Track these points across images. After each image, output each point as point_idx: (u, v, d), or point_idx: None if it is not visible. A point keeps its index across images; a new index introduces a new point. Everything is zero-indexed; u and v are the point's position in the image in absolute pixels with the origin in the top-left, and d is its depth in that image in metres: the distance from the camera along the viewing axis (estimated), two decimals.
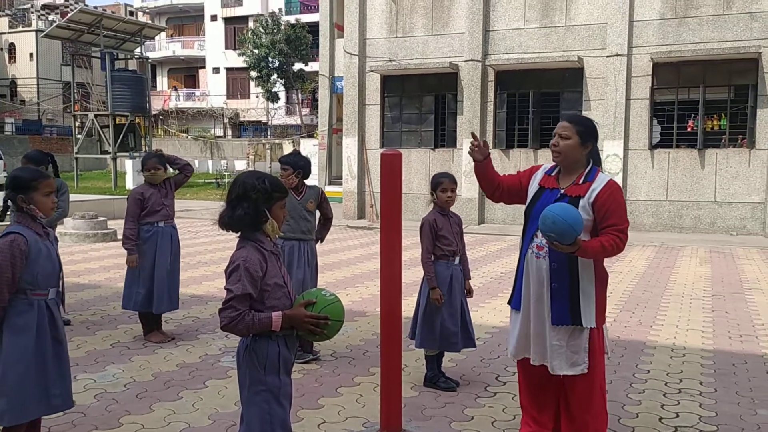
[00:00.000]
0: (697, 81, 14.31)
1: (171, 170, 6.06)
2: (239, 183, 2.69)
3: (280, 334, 2.65)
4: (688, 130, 14.63)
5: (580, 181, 3.26)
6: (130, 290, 5.84)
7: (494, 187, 3.57)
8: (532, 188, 3.44)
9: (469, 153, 3.43)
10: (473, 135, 3.47)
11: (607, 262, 9.70)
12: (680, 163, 14.50)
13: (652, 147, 14.78)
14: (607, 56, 14.68)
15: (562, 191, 3.28)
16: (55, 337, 3.09)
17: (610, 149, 14.76)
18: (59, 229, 11.27)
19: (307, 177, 5.34)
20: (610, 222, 3.17)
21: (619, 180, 14.71)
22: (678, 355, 5.54)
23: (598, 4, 14.82)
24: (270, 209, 2.68)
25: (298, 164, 5.26)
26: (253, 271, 2.58)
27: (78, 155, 27.88)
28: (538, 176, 3.44)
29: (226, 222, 2.68)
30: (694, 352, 5.60)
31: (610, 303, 7.43)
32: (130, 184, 25.59)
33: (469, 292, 4.80)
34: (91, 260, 10.38)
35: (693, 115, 14.54)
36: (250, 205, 2.63)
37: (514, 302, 3.47)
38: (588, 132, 3.30)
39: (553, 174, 3.40)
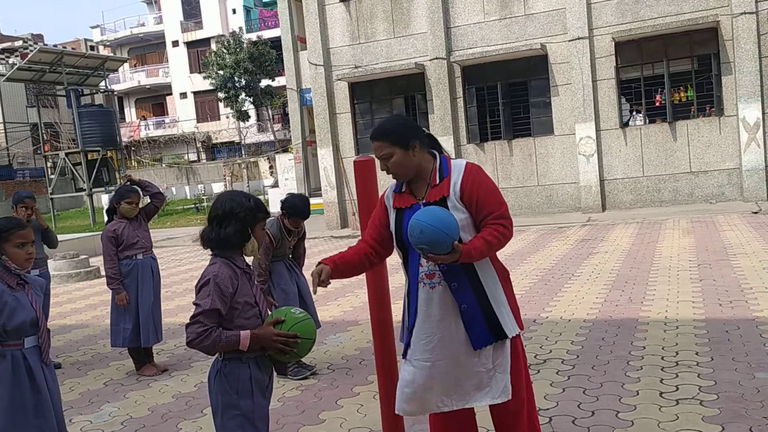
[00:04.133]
0: (660, 55, 14.46)
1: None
2: (225, 201, 2.65)
3: (250, 356, 2.60)
4: (657, 104, 14.78)
5: (437, 181, 2.80)
6: (117, 327, 5.77)
7: (369, 258, 2.99)
8: (391, 216, 2.91)
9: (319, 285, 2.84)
10: (314, 279, 2.84)
11: (591, 244, 9.73)
12: (653, 138, 14.63)
13: (625, 125, 14.91)
14: (570, 41, 14.79)
15: (423, 201, 2.81)
16: (34, 387, 3.01)
17: (582, 132, 14.87)
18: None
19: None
20: (486, 212, 2.74)
21: (595, 161, 14.83)
22: (671, 328, 5.57)
23: None
24: (253, 229, 2.66)
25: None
26: (224, 287, 2.55)
27: (53, 195, 27.58)
28: (390, 200, 2.94)
29: (213, 239, 2.64)
30: (687, 324, 5.63)
31: (597, 284, 7.49)
32: (107, 217, 25.29)
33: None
34: (76, 300, 10.25)
35: (660, 89, 14.70)
36: (237, 222, 2.61)
37: (404, 350, 2.90)
38: (403, 134, 2.78)
39: (403, 190, 2.89)
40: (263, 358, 2.68)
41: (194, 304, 2.57)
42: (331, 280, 2.85)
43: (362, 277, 3.23)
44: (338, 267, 2.90)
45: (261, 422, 2.68)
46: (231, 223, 2.60)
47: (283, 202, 5.24)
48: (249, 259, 2.83)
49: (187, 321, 2.58)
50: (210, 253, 2.71)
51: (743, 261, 8.10)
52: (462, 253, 2.62)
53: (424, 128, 2.97)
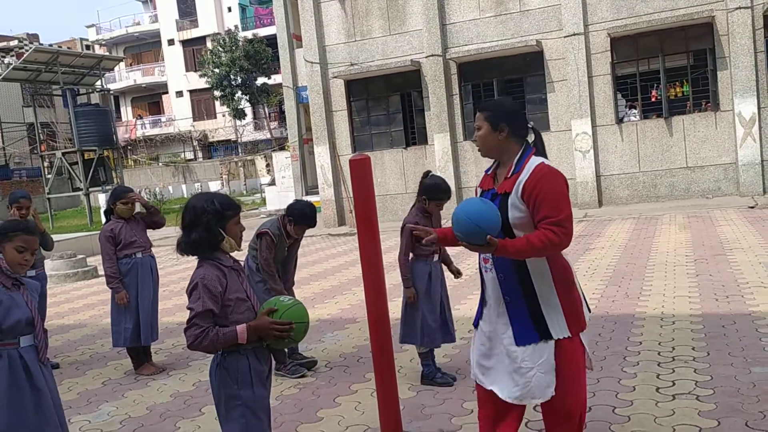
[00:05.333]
0: (656, 51, 14.48)
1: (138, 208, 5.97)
2: (190, 208, 2.72)
3: (248, 347, 2.68)
4: (653, 100, 14.80)
5: (509, 174, 2.85)
6: (118, 327, 5.77)
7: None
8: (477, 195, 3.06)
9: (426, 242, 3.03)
10: (413, 232, 3.10)
11: (588, 240, 9.72)
12: (648, 133, 14.65)
13: (621, 120, 14.93)
14: (565, 36, 14.80)
15: (495, 189, 2.90)
16: (32, 385, 3.03)
17: (578, 127, 14.89)
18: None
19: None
20: (542, 214, 2.72)
21: (591, 157, 14.86)
22: (668, 323, 5.59)
23: None
24: (224, 227, 2.70)
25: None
26: (212, 287, 2.61)
27: (50, 195, 27.51)
28: (480, 179, 3.09)
29: (183, 248, 2.71)
30: (683, 319, 5.66)
31: (594, 280, 7.51)
32: (105, 218, 25.28)
33: (458, 273, 4.88)
34: (74, 300, 10.24)
35: (656, 85, 14.72)
36: (203, 227, 2.66)
37: (476, 320, 3.06)
38: (498, 115, 2.87)
39: (489, 172, 3.01)
40: (261, 348, 2.76)
41: (188, 308, 2.64)
42: (433, 244, 3.12)
43: (361, 274, 3.24)
44: (447, 235, 3.05)
45: (263, 413, 2.74)
46: (198, 228, 2.66)
47: (291, 209, 5.11)
48: (239, 255, 2.86)
49: (184, 325, 2.62)
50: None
51: (739, 256, 8.12)
52: (497, 247, 2.68)
53: (531, 123, 2.99)
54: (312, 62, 16.95)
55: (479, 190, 3.03)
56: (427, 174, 4.72)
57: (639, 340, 5.19)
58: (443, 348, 5.09)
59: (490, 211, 2.70)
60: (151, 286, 5.82)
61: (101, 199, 26.39)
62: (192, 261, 2.76)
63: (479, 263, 2.97)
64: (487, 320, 2.94)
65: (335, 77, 16.80)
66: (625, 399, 4.07)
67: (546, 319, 2.76)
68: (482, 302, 3.00)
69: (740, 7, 13.57)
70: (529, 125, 2.96)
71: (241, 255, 2.91)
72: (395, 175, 16.52)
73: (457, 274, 4.88)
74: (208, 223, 2.65)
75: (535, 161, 2.83)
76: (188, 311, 2.62)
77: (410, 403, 4.36)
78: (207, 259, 2.70)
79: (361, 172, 3.50)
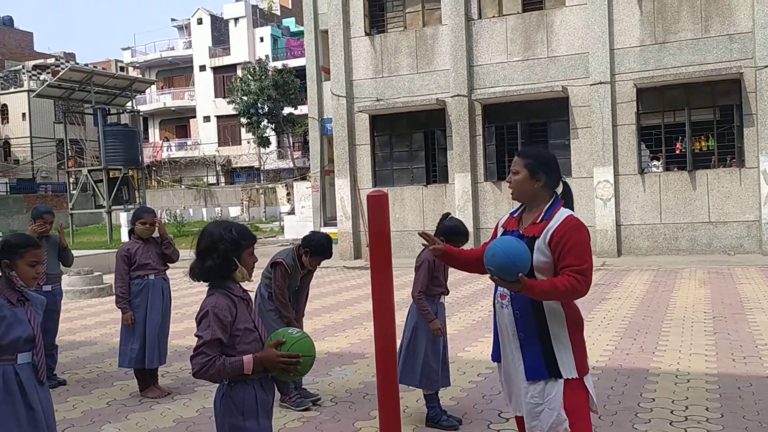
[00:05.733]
0: (682, 104, 14.46)
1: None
2: (206, 234, 2.73)
3: (255, 378, 2.67)
4: (677, 152, 14.73)
5: (538, 220, 3.02)
6: (125, 347, 5.78)
7: (475, 264, 3.27)
8: (499, 234, 3.21)
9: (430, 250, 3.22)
10: (422, 235, 3.27)
11: (605, 289, 9.62)
12: (671, 185, 14.55)
13: (642, 171, 14.86)
14: (591, 84, 14.85)
15: (521, 232, 3.05)
16: (26, 403, 3.02)
17: (600, 176, 14.83)
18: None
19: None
20: (566, 262, 2.88)
21: (612, 206, 14.77)
22: (682, 381, 5.46)
23: (579, 34, 15.06)
24: (239, 257, 2.71)
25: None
26: (222, 316, 2.61)
27: (73, 211, 27.90)
28: (503, 220, 3.25)
29: (197, 273, 2.72)
30: (698, 377, 5.53)
31: (609, 331, 7.39)
32: (125, 237, 25.51)
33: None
34: (87, 316, 10.29)
35: (680, 138, 14.66)
36: (219, 255, 2.67)
37: (494, 354, 3.23)
38: (538, 164, 3.06)
39: (516, 215, 3.18)
40: (267, 379, 2.75)
41: (196, 336, 2.64)
42: (437, 258, 3.32)
43: (370, 308, 3.22)
44: (452, 253, 3.28)
45: None
46: (213, 255, 2.67)
47: (307, 240, 5.12)
48: (247, 285, 2.86)
49: (191, 353, 2.61)
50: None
51: (759, 316, 7.96)
52: (525, 285, 2.79)
53: (564, 177, 3.21)
54: (339, 95, 17.16)
55: (502, 230, 3.18)
56: (446, 216, 4.73)
57: (652, 397, 5.07)
58: (450, 390, 5.02)
59: (524, 251, 2.85)
60: (161, 309, 5.82)
61: (122, 218, 26.69)
62: (204, 285, 2.76)
63: (494, 300, 3.13)
64: (503, 355, 3.11)
65: (360, 111, 16.97)
66: None
67: (557, 358, 2.90)
68: (496, 338, 3.16)
69: None
70: (562, 179, 3.18)
71: (249, 285, 2.91)
72: (414, 212, 16.52)
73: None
74: (224, 251, 2.66)
75: (564, 212, 3.02)
76: (196, 338, 2.62)
77: None
78: (218, 288, 2.70)
79: (378, 208, 3.48)
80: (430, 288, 4.68)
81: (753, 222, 13.95)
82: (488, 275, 2.93)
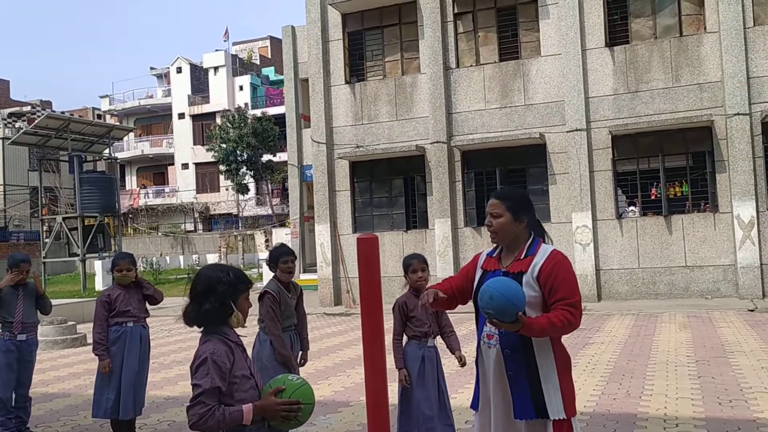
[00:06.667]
0: (656, 150, 14.78)
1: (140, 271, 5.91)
2: (203, 277, 2.66)
3: (252, 428, 2.58)
4: (652, 197, 14.97)
5: (522, 257, 3.02)
6: (100, 397, 5.59)
7: (451, 300, 3.29)
8: (477, 275, 3.19)
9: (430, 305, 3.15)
10: (427, 297, 3.13)
11: (587, 334, 9.59)
12: (648, 230, 14.75)
13: (620, 216, 15.06)
14: (568, 131, 15.14)
15: (504, 269, 3.04)
16: None
17: (579, 221, 14.99)
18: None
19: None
20: (558, 296, 2.89)
21: (591, 250, 14.89)
22: (671, 426, 5.42)
23: (555, 83, 15.42)
24: (235, 301, 2.65)
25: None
26: (221, 363, 2.53)
27: (46, 259, 27.38)
28: (481, 261, 3.21)
29: (192, 317, 2.64)
30: (686, 422, 5.49)
31: (594, 376, 7.35)
32: (99, 285, 25.06)
33: (460, 360, 4.74)
34: (60, 367, 9.99)
35: (655, 183, 14.93)
36: (216, 298, 2.61)
37: (473, 401, 3.13)
38: (519, 206, 3.08)
39: (494, 255, 3.16)
40: (263, 428, 2.65)
41: (193, 385, 2.53)
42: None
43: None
44: (447, 296, 3.20)
45: None
46: (211, 299, 2.60)
47: (269, 255, 5.27)
48: (241, 331, 2.79)
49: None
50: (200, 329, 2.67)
51: (741, 359, 7.98)
52: (524, 324, 2.77)
53: (536, 215, 3.21)
54: (319, 142, 17.27)
55: (481, 271, 3.14)
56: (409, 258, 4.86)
57: None
58: None
59: (520, 290, 2.82)
60: (137, 357, 5.64)
61: (97, 266, 26.26)
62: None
63: (479, 340, 3.06)
64: (486, 401, 3.00)
65: (340, 158, 17.06)
66: None
67: (545, 397, 2.86)
68: (479, 383, 3.06)
69: (738, 114, 13.96)
70: (537, 218, 3.19)
71: (242, 330, 2.83)
72: (394, 258, 16.47)
73: (460, 360, 4.75)
74: (222, 294, 2.60)
75: (548, 247, 3.04)
76: (193, 388, 2.51)
77: None
78: (213, 333, 2.62)
79: (369, 252, 3.46)
80: (411, 329, 4.65)
81: (728, 266, 14.13)
82: (491, 327, 2.92)
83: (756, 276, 13.77)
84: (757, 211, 13.88)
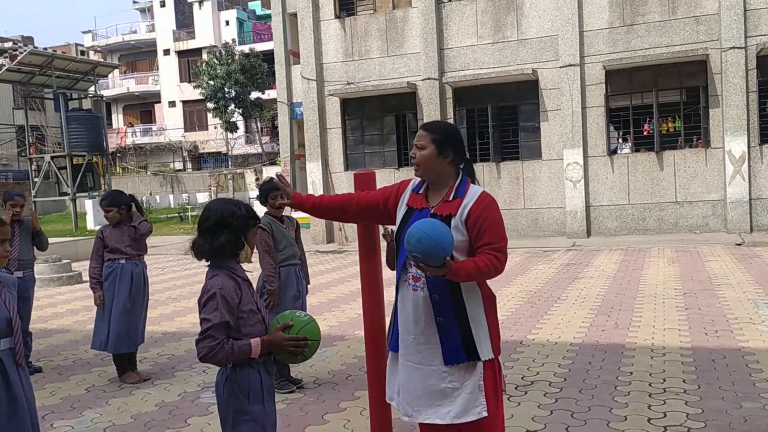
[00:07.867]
0: (650, 85, 14.68)
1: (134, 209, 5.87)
2: (215, 210, 2.65)
3: (259, 361, 2.63)
4: (645, 134, 14.96)
5: (450, 198, 2.85)
6: (98, 329, 5.69)
7: (340, 211, 3.17)
8: (401, 210, 2.99)
9: (278, 205, 3.14)
10: (277, 180, 3.16)
11: (577, 268, 9.76)
12: (639, 166, 14.79)
13: (612, 152, 15.07)
14: (561, 67, 14.97)
15: (432, 210, 2.86)
16: (8, 390, 2.79)
17: (570, 157, 15.00)
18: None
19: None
20: (484, 240, 2.77)
21: (581, 187, 14.96)
22: (658, 355, 5.59)
23: (549, 17, 15.15)
24: (245, 236, 2.67)
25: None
26: (230, 298, 2.56)
27: (36, 199, 27.26)
28: (407, 196, 3.02)
29: (205, 250, 2.64)
30: (673, 351, 5.66)
31: (583, 309, 7.52)
32: (91, 224, 25.08)
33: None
34: (57, 304, 10.10)
35: (648, 119, 14.89)
36: (231, 231, 2.62)
37: (392, 344, 2.95)
38: (445, 140, 2.88)
39: (420, 191, 2.98)
40: (270, 362, 2.71)
41: (202, 319, 2.55)
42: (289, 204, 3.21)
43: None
44: (304, 198, 3.19)
45: (270, 428, 2.69)
46: (224, 232, 2.60)
47: (259, 190, 5.37)
48: (247, 266, 2.82)
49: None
50: (205, 264, 2.69)
51: (728, 292, 8.17)
52: (451, 269, 2.65)
53: (468, 155, 3.05)
54: (309, 79, 17.01)
55: (407, 207, 2.96)
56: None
57: (630, 371, 5.18)
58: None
59: (448, 233, 2.68)
60: (127, 294, 5.64)
61: (88, 205, 26.20)
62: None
63: (399, 280, 2.89)
64: (410, 346, 2.84)
65: (331, 95, 16.85)
66: (617, 428, 4.05)
67: (475, 340, 2.77)
68: (398, 324, 2.90)
69: (734, 47, 13.82)
70: (467, 157, 3.02)
71: (248, 266, 2.85)
72: None
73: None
74: (237, 228, 2.61)
75: (477, 188, 2.88)
76: (202, 322, 2.54)
77: (402, 426, 4.31)
78: (221, 268, 2.63)
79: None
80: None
81: (718, 201, 14.27)
82: (402, 252, 2.82)
83: (744, 211, 13.93)
84: (749, 146, 13.93)
